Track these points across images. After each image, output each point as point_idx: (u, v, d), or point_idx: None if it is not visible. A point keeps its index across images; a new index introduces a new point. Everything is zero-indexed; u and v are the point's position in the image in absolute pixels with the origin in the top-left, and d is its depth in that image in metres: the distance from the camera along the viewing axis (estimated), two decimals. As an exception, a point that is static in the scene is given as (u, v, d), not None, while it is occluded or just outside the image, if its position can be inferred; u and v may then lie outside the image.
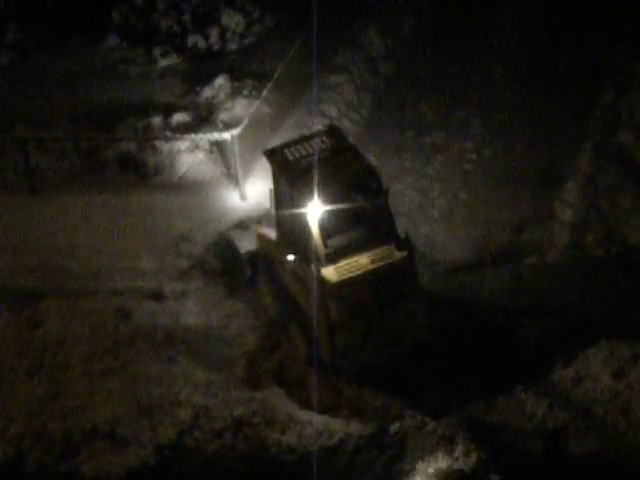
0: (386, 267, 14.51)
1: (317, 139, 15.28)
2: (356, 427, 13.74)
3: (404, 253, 14.59)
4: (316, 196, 14.27)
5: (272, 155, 15.37)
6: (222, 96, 21.39)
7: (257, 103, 20.29)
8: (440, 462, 13.01)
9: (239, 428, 13.77)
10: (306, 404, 14.67)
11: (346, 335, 14.54)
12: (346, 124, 20.59)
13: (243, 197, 18.95)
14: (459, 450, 13.15)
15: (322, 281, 14.30)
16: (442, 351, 14.97)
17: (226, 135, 18.93)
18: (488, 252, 17.74)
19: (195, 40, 22.93)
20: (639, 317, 15.27)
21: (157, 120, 20.62)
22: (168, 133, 19.99)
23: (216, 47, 23.02)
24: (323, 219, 14.40)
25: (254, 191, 18.91)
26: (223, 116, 20.74)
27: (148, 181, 19.78)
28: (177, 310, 16.65)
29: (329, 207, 14.42)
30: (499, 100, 21.09)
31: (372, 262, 14.51)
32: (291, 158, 14.98)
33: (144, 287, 17.22)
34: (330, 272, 14.35)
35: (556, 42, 21.89)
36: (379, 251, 14.58)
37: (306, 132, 18.56)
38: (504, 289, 16.63)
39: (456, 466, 12.97)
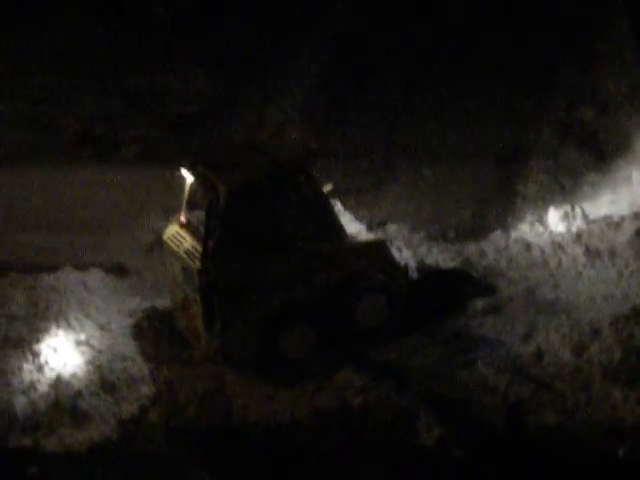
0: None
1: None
2: (320, 401, 13.79)
3: None
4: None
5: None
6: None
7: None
8: (402, 436, 13.13)
9: (203, 403, 13.82)
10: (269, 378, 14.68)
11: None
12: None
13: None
14: (421, 424, 13.24)
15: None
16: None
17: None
18: (452, 227, 17.81)
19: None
20: (598, 291, 15.40)
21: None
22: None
23: None
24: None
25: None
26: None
27: (108, 155, 19.62)
28: (141, 285, 16.57)
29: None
30: (463, 78, 21.07)
31: None
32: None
33: (107, 262, 17.12)
34: None
35: (518, 21, 21.86)
36: None
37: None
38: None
39: (419, 441, 13.09)
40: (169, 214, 17.28)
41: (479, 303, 15.49)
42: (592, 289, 15.54)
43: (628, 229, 16.34)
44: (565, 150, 18.88)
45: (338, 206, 15.89)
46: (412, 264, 16.11)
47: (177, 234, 15.08)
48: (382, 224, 16.87)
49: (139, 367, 14.50)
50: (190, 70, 21.44)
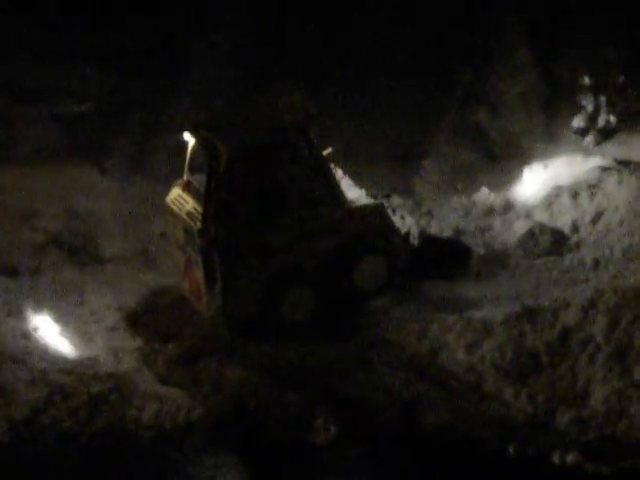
0: None
1: None
2: (215, 403, 13.74)
3: None
4: None
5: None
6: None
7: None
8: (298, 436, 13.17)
9: (96, 405, 13.63)
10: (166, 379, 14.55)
11: None
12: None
13: (104, 172, 18.65)
14: (318, 423, 13.28)
15: None
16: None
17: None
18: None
19: None
20: (490, 290, 15.65)
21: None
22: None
23: None
24: None
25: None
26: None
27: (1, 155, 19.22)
28: (32, 286, 16.28)
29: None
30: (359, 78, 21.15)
31: None
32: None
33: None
34: None
35: (415, 22, 22.01)
36: None
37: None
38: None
39: (315, 440, 13.13)
40: (64, 214, 17.16)
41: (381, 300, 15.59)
42: (484, 288, 15.75)
43: (519, 230, 16.63)
44: (459, 150, 19.14)
45: (339, 172, 15.96)
46: (415, 231, 16.37)
47: (179, 197, 15.23)
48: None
49: (30, 368, 14.21)
50: (85, 68, 21.10)
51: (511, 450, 12.75)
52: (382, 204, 15.88)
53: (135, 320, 15.67)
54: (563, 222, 16.16)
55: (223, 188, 14.40)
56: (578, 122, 19.29)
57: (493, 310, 14.52)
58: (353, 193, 15.77)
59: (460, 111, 20.12)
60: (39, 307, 15.75)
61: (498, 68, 20.68)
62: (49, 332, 15.29)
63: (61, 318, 15.56)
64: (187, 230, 14.86)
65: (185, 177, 15.42)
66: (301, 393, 13.81)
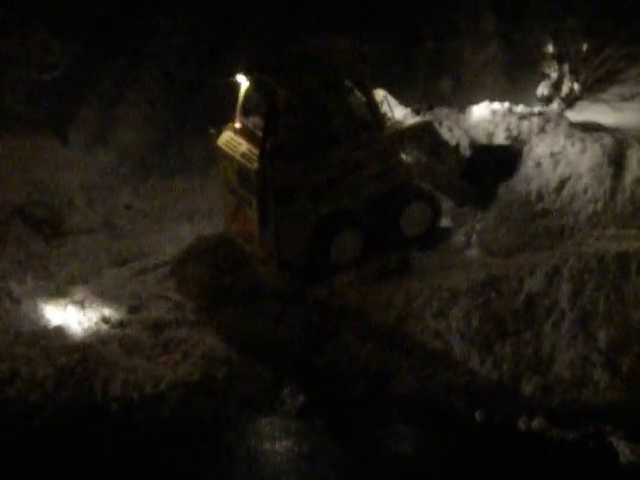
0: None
1: None
2: (183, 373, 13.72)
3: None
4: None
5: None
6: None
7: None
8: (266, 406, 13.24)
9: (62, 377, 13.58)
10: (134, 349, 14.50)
11: None
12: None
13: (66, 142, 18.51)
14: (285, 393, 13.32)
15: None
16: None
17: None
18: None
19: None
20: (457, 258, 15.69)
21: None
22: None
23: None
24: None
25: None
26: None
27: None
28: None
29: None
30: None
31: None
32: None
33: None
34: None
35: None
36: None
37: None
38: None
39: (283, 409, 13.18)
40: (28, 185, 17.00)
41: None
42: (450, 256, 15.81)
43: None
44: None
45: (381, 93, 15.99)
46: (465, 142, 16.46)
47: (232, 139, 15.39)
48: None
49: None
50: (47, 37, 20.84)
51: (478, 417, 12.85)
52: (430, 122, 16.17)
53: (101, 292, 15.60)
54: (528, 190, 16.20)
55: (280, 128, 14.65)
56: (542, 90, 19.39)
57: (459, 277, 14.62)
58: (399, 112, 16.06)
59: (424, 81, 20.13)
60: (3, 280, 15.66)
61: (462, 38, 20.71)
62: (13, 305, 15.18)
63: (26, 291, 15.47)
64: (241, 172, 15.03)
65: (237, 119, 15.57)
66: (269, 363, 13.84)
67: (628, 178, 15.52)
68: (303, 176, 14.89)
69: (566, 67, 19.11)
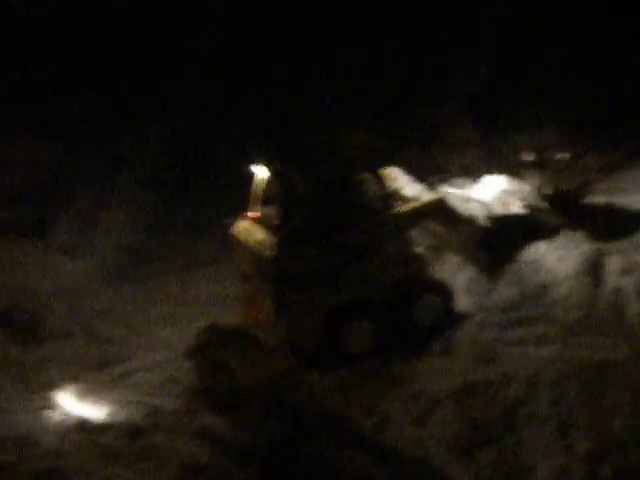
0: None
1: None
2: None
3: None
4: None
5: None
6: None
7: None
8: None
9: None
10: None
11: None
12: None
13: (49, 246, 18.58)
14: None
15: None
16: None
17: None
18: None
19: None
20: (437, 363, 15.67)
21: None
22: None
23: None
24: None
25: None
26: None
27: None
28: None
29: None
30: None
31: None
32: None
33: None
34: None
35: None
36: None
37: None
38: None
39: None
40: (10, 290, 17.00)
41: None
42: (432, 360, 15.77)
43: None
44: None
45: (395, 170, 16.41)
46: (481, 212, 16.52)
47: (247, 228, 15.67)
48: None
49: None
50: (31, 140, 21.08)
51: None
52: (442, 199, 16.40)
53: (79, 397, 15.40)
54: (509, 294, 16.29)
55: (297, 218, 14.93)
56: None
57: (440, 383, 14.54)
58: (412, 189, 16.34)
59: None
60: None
61: (441, 145, 21.07)
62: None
63: (2, 396, 15.29)
64: (255, 260, 15.20)
65: (254, 208, 15.87)
66: (249, 469, 13.63)
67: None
68: (317, 266, 15.09)
69: (546, 175, 19.31)
